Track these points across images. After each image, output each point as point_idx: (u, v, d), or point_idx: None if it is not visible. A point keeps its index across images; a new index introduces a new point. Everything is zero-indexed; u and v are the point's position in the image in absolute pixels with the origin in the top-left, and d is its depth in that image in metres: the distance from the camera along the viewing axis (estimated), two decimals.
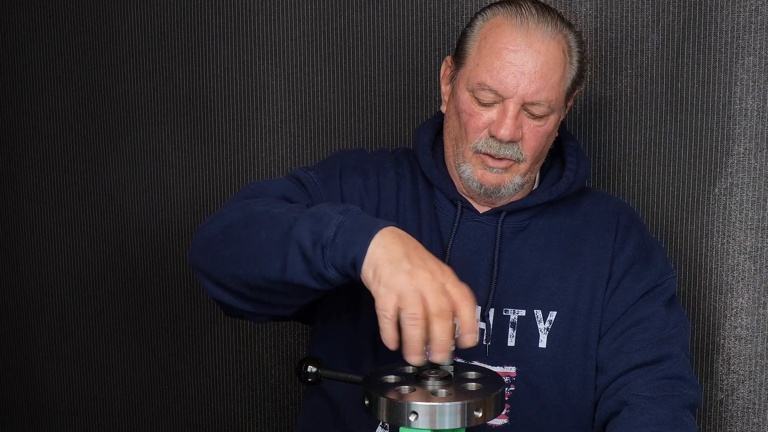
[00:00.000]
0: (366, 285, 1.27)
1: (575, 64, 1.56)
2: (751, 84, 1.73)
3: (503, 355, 1.55)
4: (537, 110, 1.52)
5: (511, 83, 1.50)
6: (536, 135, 1.54)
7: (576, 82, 1.58)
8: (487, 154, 1.54)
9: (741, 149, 1.75)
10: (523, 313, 1.56)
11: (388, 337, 1.23)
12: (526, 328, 1.55)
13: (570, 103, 1.62)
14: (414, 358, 1.23)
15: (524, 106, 1.52)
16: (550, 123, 1.55)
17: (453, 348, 1.25)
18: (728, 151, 1.76)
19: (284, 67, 2.06)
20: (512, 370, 1.54)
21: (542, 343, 1.55)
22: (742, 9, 1.71)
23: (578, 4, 1.82)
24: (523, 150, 1.53)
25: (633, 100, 1.82)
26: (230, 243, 1.40)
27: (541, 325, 1.55)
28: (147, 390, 2.30)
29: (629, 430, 1.44)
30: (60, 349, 2.40)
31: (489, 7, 1.57)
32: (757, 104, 1.73)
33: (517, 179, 1.56)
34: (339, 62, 2.02)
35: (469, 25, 1.58)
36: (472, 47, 1.55)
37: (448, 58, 1.62)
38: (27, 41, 2.34)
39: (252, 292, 1.41)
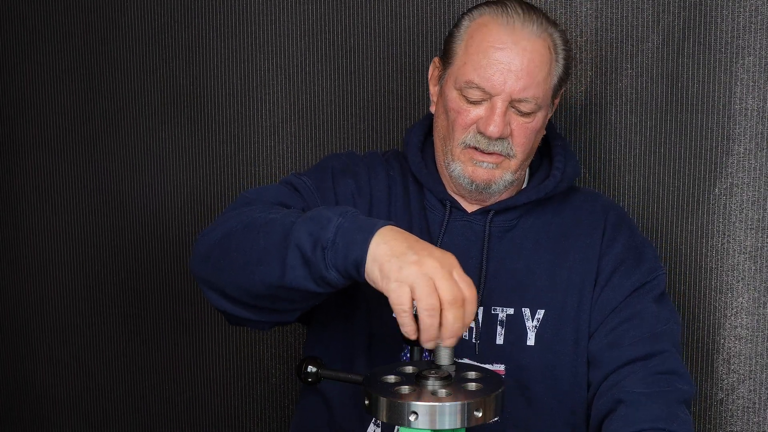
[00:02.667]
0: (372, 284, 1.28)
1: (561, 62, 1.58)
2: (751, 84, 1.73)
3: (492, 353, 1.56)
4: (524, 107, 1.54)
5: (498, 81, 1.52)
6: (525, 131, 1.55)
7: (562, 80, 1.60)
8: (475, 149, 1.55)
9: (741, 149, 1.75)
10: (511, 311, 1.57)
11: (409, 329, 1.26)
12: (515, 326, 1.56)
13: (557, 101, 1.63)
14: (430, 343, 1.26)
15: (512, 103, 1.53)
16: (538, 120, 1.56)
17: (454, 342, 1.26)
18: (728, 151, 1.76)
19: (283, 66, 2.06)
20: (501, 367, 1.56)
21: (530, 340, 1.56)
22: (742, 9, 1.71)
23: (578, 4, 1.83)
24: (513, 146, 1.55)
25: (633, 100, 1.82)
26: (229, 251, 1.41)
27: (529, 323, 1.56)
28: (147, 391, 2.30)
29: (626, 428, 1.45)
30: (59, 352, 2.40)
31: (475, 7, 1.60)
32: (757, 104, 1.73)
33: (508, 176, 1.57)
34: (337, 62, 2.02)
35: (456, 25, 1.60)
36: (459, 46, 1.57)
37: (436, 60, 1.64)
38: (24, 39, 2.34)
39: (253, 300, 1.41)
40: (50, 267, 2.39)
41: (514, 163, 1.56)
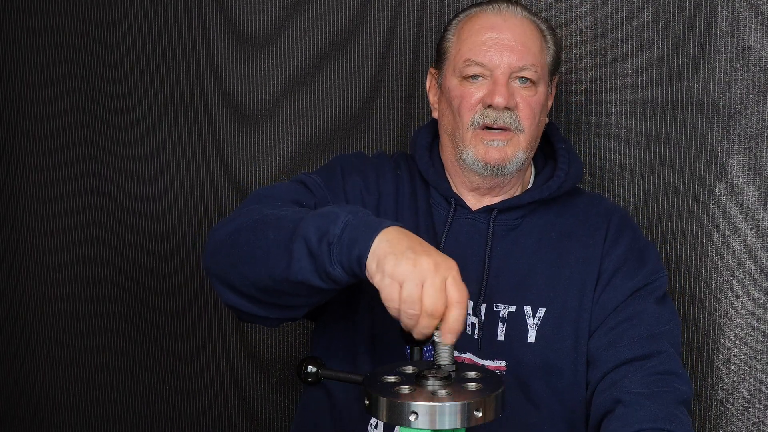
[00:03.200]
0: (370, 278, 1.29)
1: (551, 46, 1.64)
2: (751, 84, 1.73)
3: (494, 349, 1.57)
4: (527, 73, 1.59)
5: (495, 55, 1.58)
6: (529, 104, 1.59)
7: (555, 63, 1.65)
8: (485, 127, 1.58)
9: (741, 149, 1.75)
10: (513, 308, 1.59)
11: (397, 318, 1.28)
12: (516, 323, 1.58)
13: (554, 90, 1.68)
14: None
15: (512, 76, 1.58)
16: (540, 94, 1.61)
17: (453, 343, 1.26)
18: (728, 151, 1.76)
19: (283, 66, 2.06)
20: (502, 364, 1.57)
21: (531, 338, 1.58)
22: (742, 9, 1.72)
23: (578, 4, 1.83)
24: (520, 119, 1.58)
25: (633, 100, 1.82)
26: (239, 245, 1.42)
27: (530, 321, 1.58)
28: (147, 391, 2.30)
29: (625, 428, 1.46)
30: (59, 353, 2.40)
31: (461, 10, 1.68)
32: (757, 104, 1.73)
33: (520, 154, 1.60)
34: (338, 62, 2.02)
35: (446, 28, 1.68)
36: (452, 40, 1.64)
37: (432, 69, 1.69)
38: (22, 42, 2.34)
39: (261, 294, 1.42)
40: (50, 268, 2.39)
41: (523, 139, 1.59)
